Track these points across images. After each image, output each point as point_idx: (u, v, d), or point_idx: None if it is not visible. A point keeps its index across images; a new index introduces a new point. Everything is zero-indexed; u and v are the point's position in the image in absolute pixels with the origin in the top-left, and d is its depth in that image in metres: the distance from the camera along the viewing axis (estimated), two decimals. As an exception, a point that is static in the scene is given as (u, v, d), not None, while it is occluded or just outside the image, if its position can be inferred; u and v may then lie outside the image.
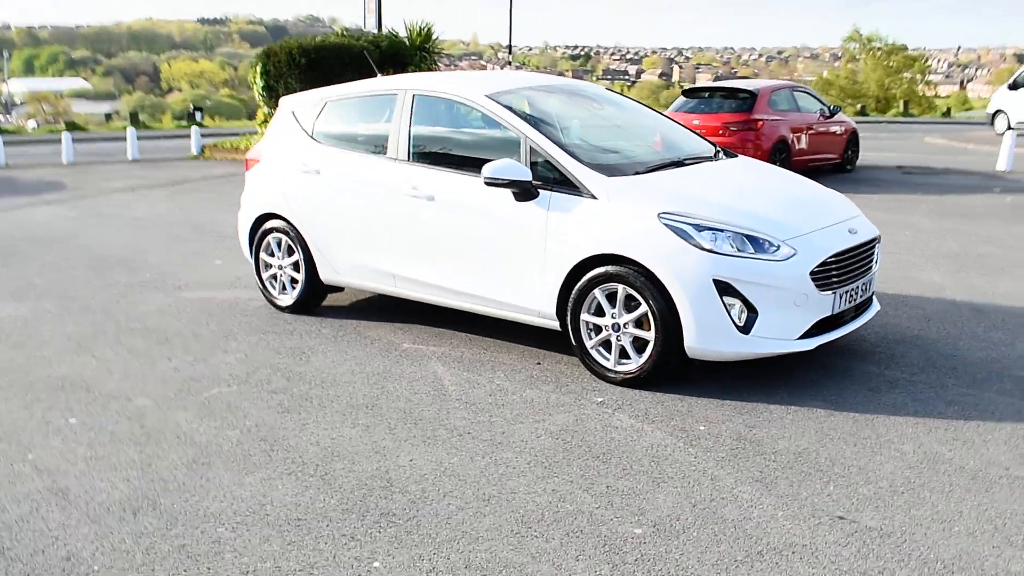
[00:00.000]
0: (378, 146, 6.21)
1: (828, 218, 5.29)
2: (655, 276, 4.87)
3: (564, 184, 5.27)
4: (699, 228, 4.86)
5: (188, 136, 23.32)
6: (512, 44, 44.63)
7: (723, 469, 4.09)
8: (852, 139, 16.11)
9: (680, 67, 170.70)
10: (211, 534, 3.57)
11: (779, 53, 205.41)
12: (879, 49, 63.40)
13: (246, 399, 5.05)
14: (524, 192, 5.32)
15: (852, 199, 6.22)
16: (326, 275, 6.57)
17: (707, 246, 4.80)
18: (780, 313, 4.83)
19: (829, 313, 5.00)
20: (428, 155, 5.95)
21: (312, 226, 6.50)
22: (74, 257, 9.13)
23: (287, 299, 6.84)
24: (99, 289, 7.73)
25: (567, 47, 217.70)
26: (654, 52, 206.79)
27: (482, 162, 5.56)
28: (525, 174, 5.27)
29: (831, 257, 4.97)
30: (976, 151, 22.67)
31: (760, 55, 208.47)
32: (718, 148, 6.27)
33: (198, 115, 37.58)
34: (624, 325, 5.06)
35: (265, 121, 20.63)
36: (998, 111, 27.22)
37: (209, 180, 16.21)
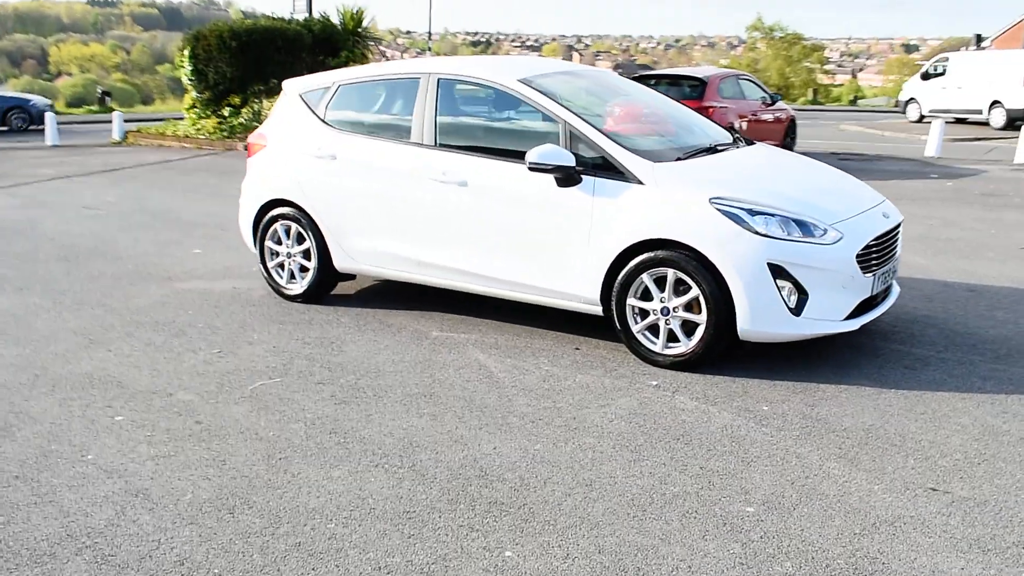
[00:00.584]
0: (399, 131, 6.10)
1: (864, 203, 5.46)
2: (708, 260, 4.94)
3: (607, 169, 5.29)
4: (752, 213, 4.95)
5: (102, 121, 22.39)
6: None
7: (803, 447, 4.19)
8: (791, 126, 16.60)
9: (580, 54, 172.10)
10: (323, 531, 3.47)
11: (676, 41, 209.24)
12: (780, 38, 65.69)
13: (295, 391, 4.91)
14: (568, 178, 5.31)
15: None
16: (340, 263, 6.43)
17: (761, 230, 4.89)
18: (828, 295, 4.96)
19: (869, 294, 5.17)
20: (456, 141, 5.88)
21: (327, 213, 6.35)
22: (41, 248, 8.68)
23: (296, 288, 6.67)
24: (84, 281, 7.38)
25: (467, 34, 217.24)
26: (554, 39, 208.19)
27: (517, 148, 5.55)
28: (570, 159, 5.27)
29: (872, 240, 5.13)
30: (894, 138, 23.66)
31: (658, 43, 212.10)
32: (736, 135, 6.39)
33: (107, 99, 36.04)
34: (674, 309, 5.12)
35: (194, 106, 20.01)
36: (911, 99, 28.42)
37: (145, 167, 15.61)
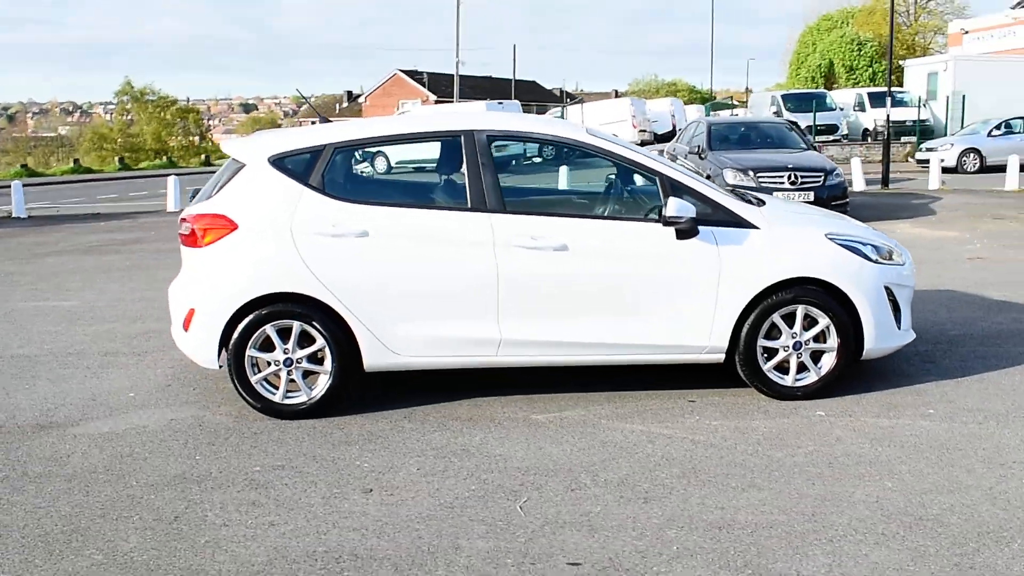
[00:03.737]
0: (446, 196, 5.35)
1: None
2: (840, 291, 5.37)
3: (717, 218, 5.37)
4: (862, 243, 5.52)
5: None
6: None
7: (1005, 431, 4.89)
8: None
9: None
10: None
11: (5, 109, 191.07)
12: (152, 102, 66.74)
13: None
14: (689, 230, 5.27)
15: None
16: (376, 360, 5.33)
17: (874, 258, 5.49)
18: (907, 309, 5.75)
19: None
20: (530, 202, 5.38)
21: (359, 302, 5.22)
22: None
23: (300, 398, 5.33)
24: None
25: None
26: None
27: (609, 205, 5.34)
28: (693, 211, 5.24)
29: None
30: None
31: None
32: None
33: None
34: (805, 342, 5.43)
35: None
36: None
37: None
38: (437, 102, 65.15)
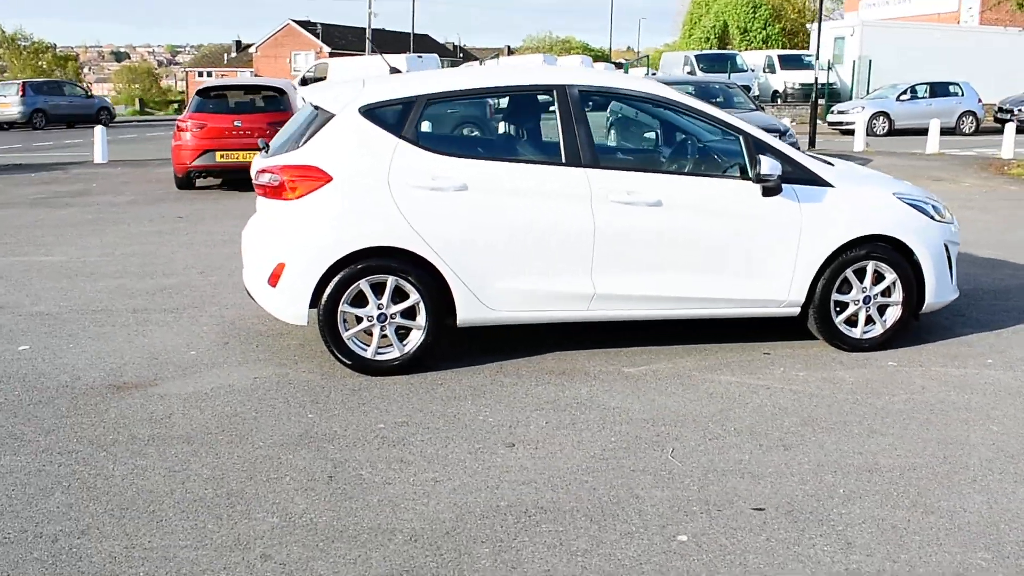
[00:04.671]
0: (539, 150, 5.33)
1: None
2: (908, 248, 5.65)
3: (796, 176, 5.54)
4: (924, 202, 5.80)
5: None
6: None
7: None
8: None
9: None
10: None
11: None
12: (25, 48, 63.52)
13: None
14: (775, 188, 5.42)
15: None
16: (471, 314, 5.31)
17: (937, 217, 5.79)
18: (955, 265, 6.08)
19: (949, 266, 6.39)
20: (620, 158, 5.43)
21: (458, 256, 5.18)
22: None
23: (392, 353, 5.27)
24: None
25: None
26: None
27: (696, 160, 5.44)
28: (780, 169, 5.39)
29: (945, 220, 6.39)
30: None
31: None
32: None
33: None
34: (875, 296, 5.69)
35: None
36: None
37: None
38: (332, 54, 63.65)
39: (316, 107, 5.38)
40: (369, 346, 5.26)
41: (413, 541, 3.50)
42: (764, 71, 34.27)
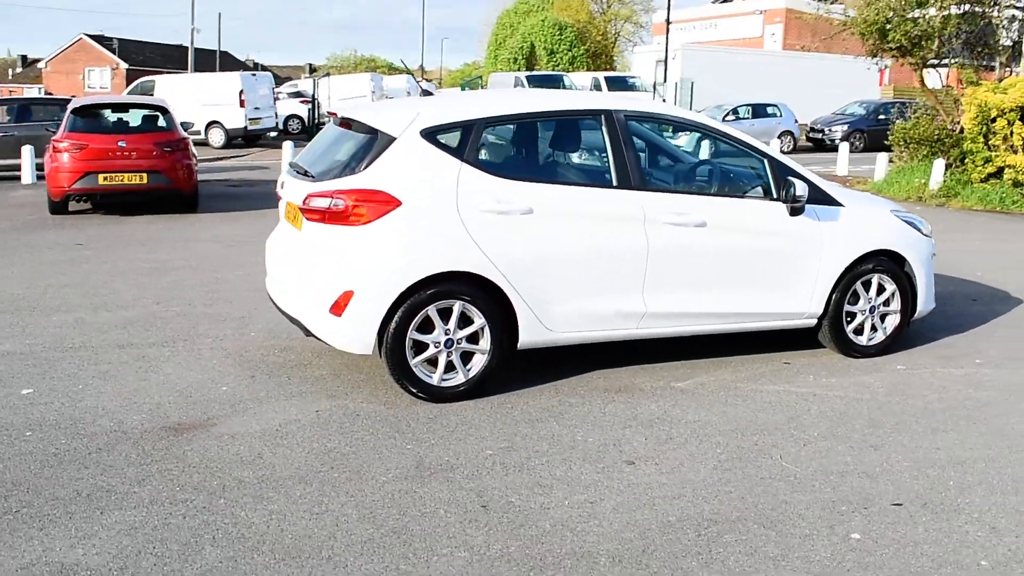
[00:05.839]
0: (589, 174, 5.45)
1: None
2: (906, 261, 6.20)
3: (813, 196, 5.95)
4: (914, 219, 6.39)
5: None
6: None
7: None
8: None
9: None
10: None
11: None
12: None
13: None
14: (802, 208, 5.81)
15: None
16: (532, 337, 5.34)
17: (925, 232, 6.38)
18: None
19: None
20: (665, 181, 5.64)
21: (524, 279, 5.21)
22: None
23: (458, 379, 5.22)
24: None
25: None
26: None
27: (733, 183, 5.79)
28: (807, 191, 5.79)
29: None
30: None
31: None
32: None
33: None
34: (879, 306, 6.21)
35: None
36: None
37: None
38: (129, 71, 60.58)
39: (376, 129, 5.24)
40: (434, 373, 5.18)
41: (619, 562, 3.53)
42: (592, 91, 35.76)
